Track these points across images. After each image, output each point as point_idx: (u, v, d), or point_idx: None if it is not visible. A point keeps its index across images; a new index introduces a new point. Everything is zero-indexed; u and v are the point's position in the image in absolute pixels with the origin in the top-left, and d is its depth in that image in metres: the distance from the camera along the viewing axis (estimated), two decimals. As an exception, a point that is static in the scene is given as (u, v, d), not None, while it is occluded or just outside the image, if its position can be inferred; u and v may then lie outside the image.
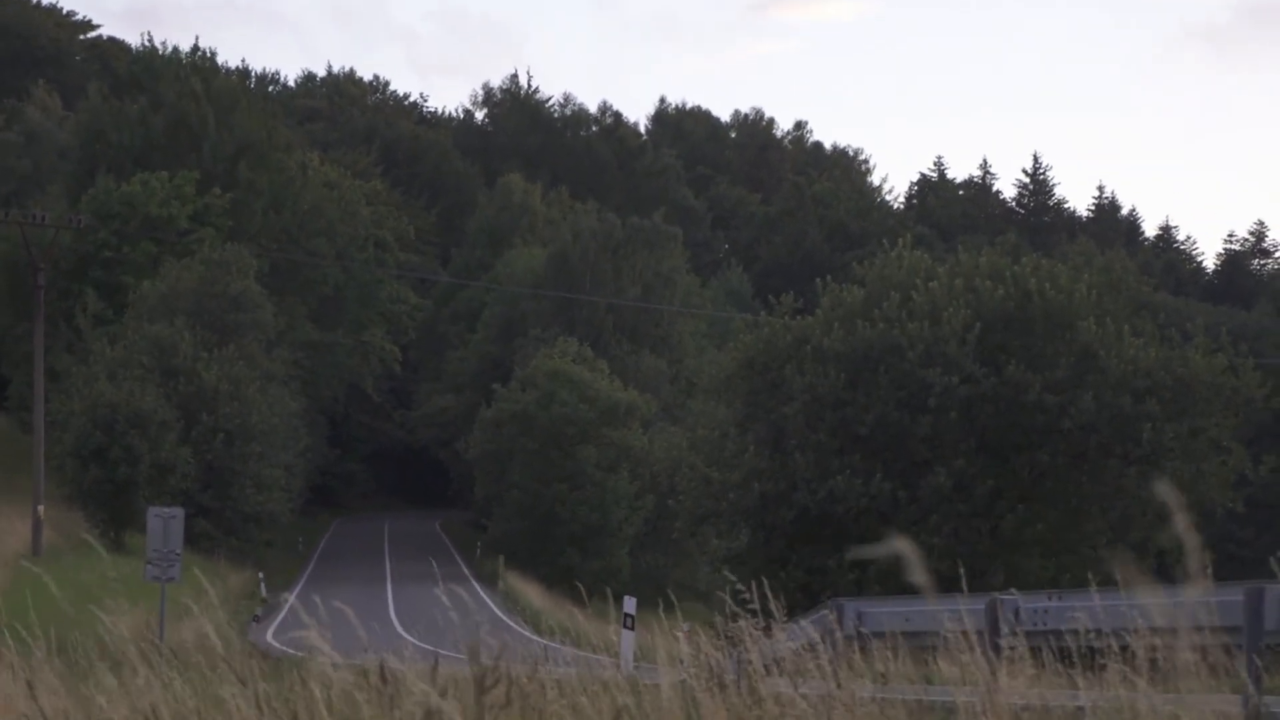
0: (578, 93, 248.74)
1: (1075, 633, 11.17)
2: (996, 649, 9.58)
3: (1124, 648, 9.96)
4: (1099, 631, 10.79)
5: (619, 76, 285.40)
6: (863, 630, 18.47)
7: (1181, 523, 7.93)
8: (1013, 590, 18.90)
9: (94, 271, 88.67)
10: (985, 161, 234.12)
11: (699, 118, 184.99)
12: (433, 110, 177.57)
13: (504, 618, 59.17)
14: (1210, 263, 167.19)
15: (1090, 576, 14.23)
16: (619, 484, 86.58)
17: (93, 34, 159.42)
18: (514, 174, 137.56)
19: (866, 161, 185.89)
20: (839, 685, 9.31)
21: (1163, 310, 55.82)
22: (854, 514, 46.55)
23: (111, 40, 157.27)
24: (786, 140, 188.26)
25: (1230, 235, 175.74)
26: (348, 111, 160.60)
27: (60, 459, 69.08)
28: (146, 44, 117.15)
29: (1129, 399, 45.78)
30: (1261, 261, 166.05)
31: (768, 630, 11.07)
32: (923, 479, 46.28)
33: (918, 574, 7.99)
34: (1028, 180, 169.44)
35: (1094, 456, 47.37)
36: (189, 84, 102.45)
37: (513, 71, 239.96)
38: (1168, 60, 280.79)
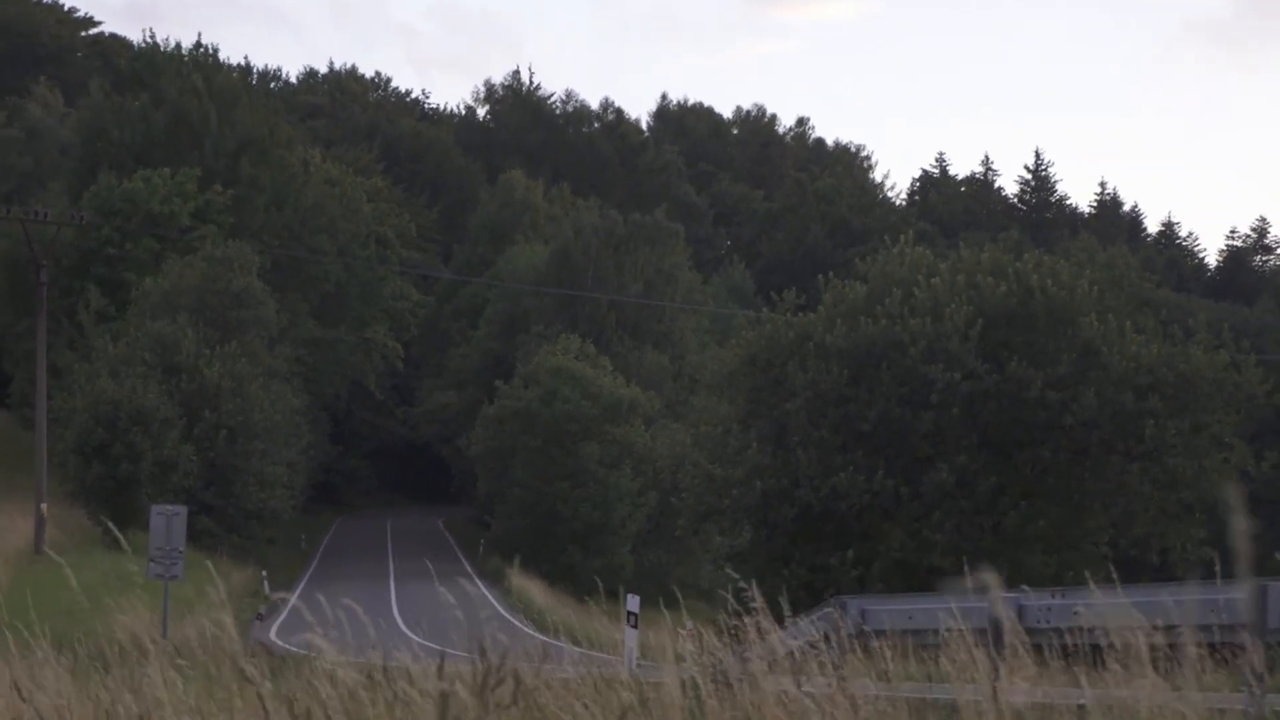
0: (578, 90, 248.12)
1: (1078, 630, 11.18)
2: (999, 647, 9.58)
3: (1127, 645, 9.96)
4: (1103, 629, 10.78)
5: (619, 75, 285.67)
6: (865, 629, 18.49)
7: (1240, 524, 7.94)
8: (1025, 587, 18.89)
9: (96, 268, 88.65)
10: (987, 158, 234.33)
11: (701, 114, 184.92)
12: (434, 107, 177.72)
13: (507, 615, 59.12)
14: (1212, 259, 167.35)
15: (1088, 575, 14.24)
16: (621, 481, 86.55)
17: (94, 31, 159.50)
18: (516, 170, 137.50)
19: (869, 158, 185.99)
20: (842, 683, 9.31)
21: (1164, 306, 55.88)
22: (856, 511, 46.60)
23: (113, 37, 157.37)
24: (788, 137, 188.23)
25: (1232, 231, 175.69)
26: (349, 108, 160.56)
27: (62, 456, 69.08)
28: (148, 40, 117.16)
29: (1131, 395, 45.82)
30: (1263, 258, 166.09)
31: (767, 628, 11.06)
32: (925, 475, 46.32)
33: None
34: (1029, 177, 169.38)
35: (1096, 453, 47.40)
36: (191, 81, 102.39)
37: (514, 68, 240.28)
38: (1169, 56, 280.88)
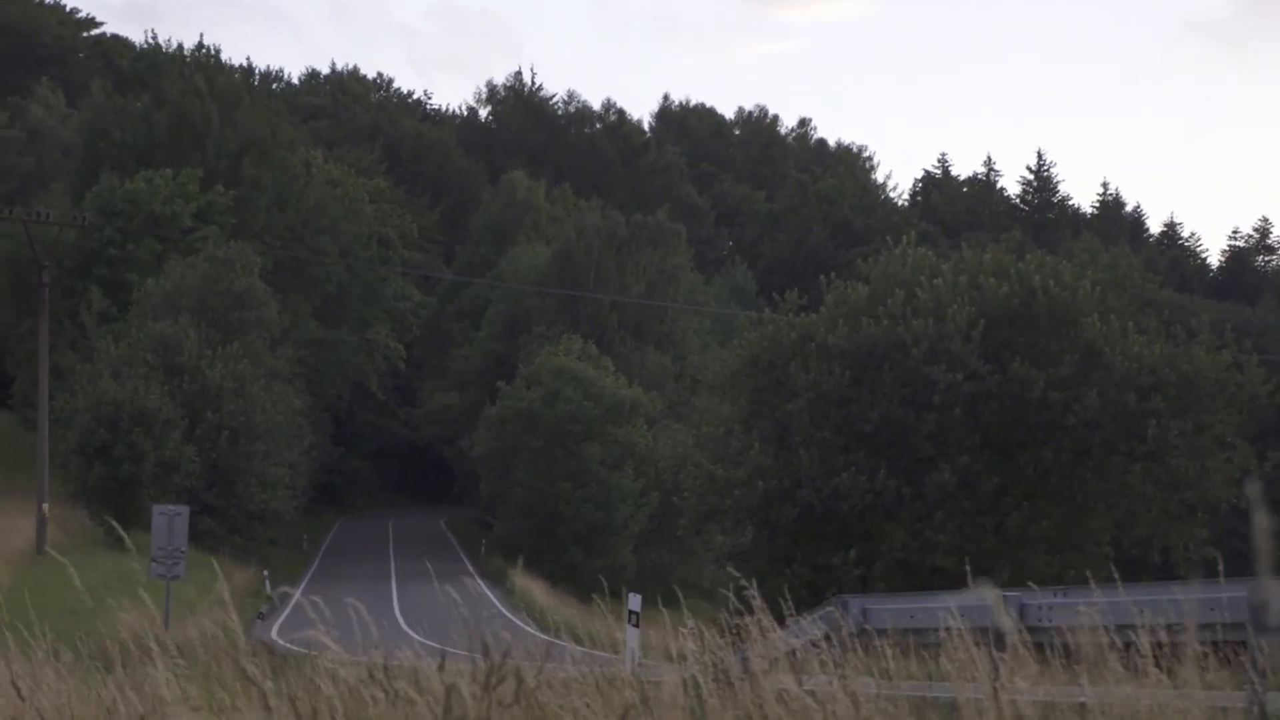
0: (578, 91, 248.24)
1: (1080, 629, 11.16)
2: (1001, 646, 9.58)
3: (1128, 645, 9.96)
4: (1105, 628, 10.77)
5: (619, 75, 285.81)
6: (867, 628, 18.46)
7: (1262, 523, 7.95)
8: (1029, 584, 18.85)
9: (98, 269, 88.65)
10: (989, 158, 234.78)
11: (703, 115, 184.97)
12: (436, 108, 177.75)
13: (509, 615, 59.13)
14: (1215, 259, 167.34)
15: (1089, 575, 14.23)
16: (623, 481, 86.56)
17: (96, 31, 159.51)
18: (518, 171, 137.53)
19: (871, 159, 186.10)
20: (843, 681, 9.31)
21: (1167, 307, 55.88)
22: (858, 511, 46.60)
23: (115, 38, 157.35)
24: (790, 137, 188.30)
25: (1235, 232, 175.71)
26: (351, 109, 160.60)
27: (64, 457, 69.11)
28: (150, 41, 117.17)
29: (1133, 396, 45.82)
30: (1266, 258, 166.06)
31: (768, 627, 11.06)
32: (927, 476, 46.31)
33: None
34: (1032, 177, 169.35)
35: (1098, 453, 47.40)
36: (193, 81, 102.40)
37: (516, 69, 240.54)
38: (1170, 57, 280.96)
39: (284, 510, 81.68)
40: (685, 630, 12.90)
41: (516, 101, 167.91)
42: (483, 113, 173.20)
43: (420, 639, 15.12)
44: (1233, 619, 13.33)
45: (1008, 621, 9.52)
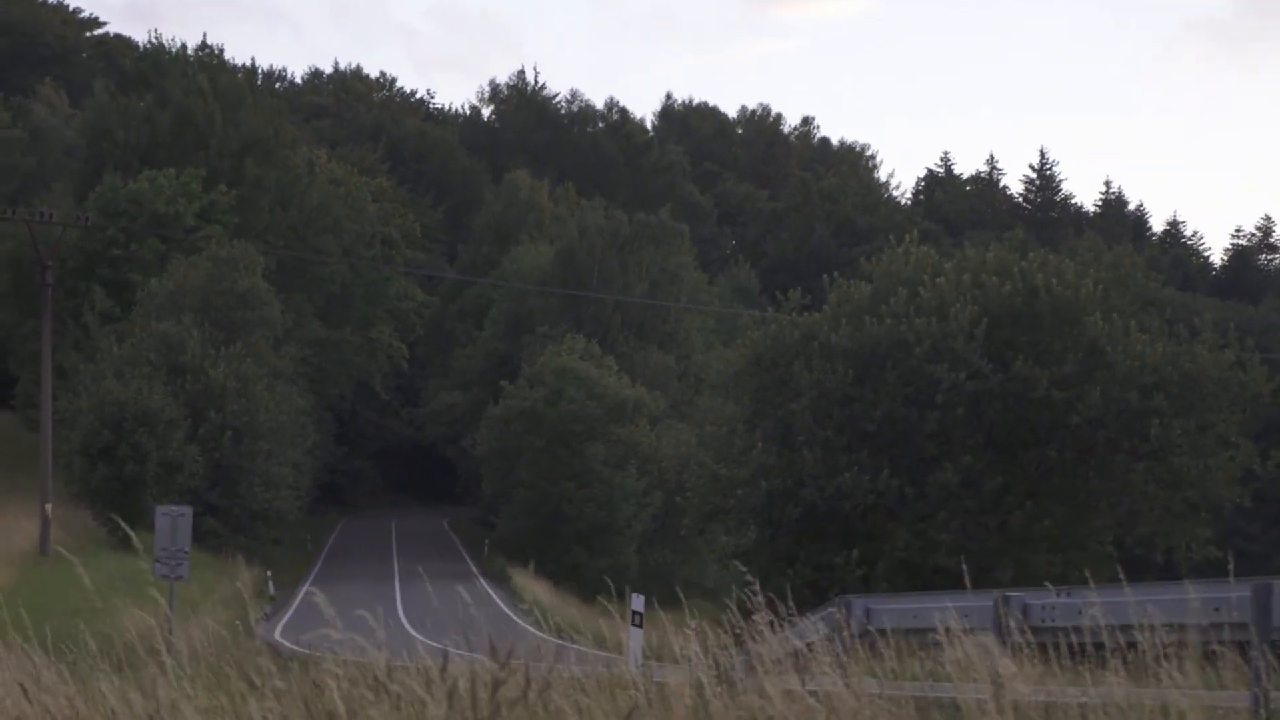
0: (580, 90, 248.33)
1: (1082, 629, 11.18)
2: (1004, 645, 9.59)
3: (1131, 644, 9.97)
4: (1109, 627, 10.79)
5: (620, 74, 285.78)
6: (870, 628, 18.48)
7: None
8: (1045, 584, 18.88)
9: (101, 269, 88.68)
10: (992, 157, 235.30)
11: (705, 114, 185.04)
12: (439, 107, 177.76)
13: (512, 615, 59.18)
14: (1217, 258, 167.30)
15: (1088, 575, 14.23)
16: (626, 481, 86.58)
17: (99, 31, 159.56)
18: (520, 170, 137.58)
19: (873, 157, 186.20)
20: (846, 682, 9.32)
21: (1169, 305, 55.86)
22: (861, 510, 46.59)
23: (118, 37, 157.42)
24: (793, 136, 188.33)
25: (1238, 230, 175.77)
26: (354, 108, 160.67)
27: (68, 457, 69.12)
28: (153, 41, 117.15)
29: (1136, 394, 45.79)
30: (1269, 256, 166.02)
31: (769, 628, 11.07)
32: (930, 475, 46.30)
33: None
34: (1035, 176, 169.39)
35: (1101, 452, 47.37)
36: (196, 81, 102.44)
37: (519, 68, 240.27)
38: (1174, 55, 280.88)
39: (287, 510, 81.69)
40: (689, 630, 12.92)
41: (519, 101, 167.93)
42: (485, 112, 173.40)
43: (424, 639, 15.14)
44: (1237, 619, 13.36)
45: (1009, 615, 9.53)
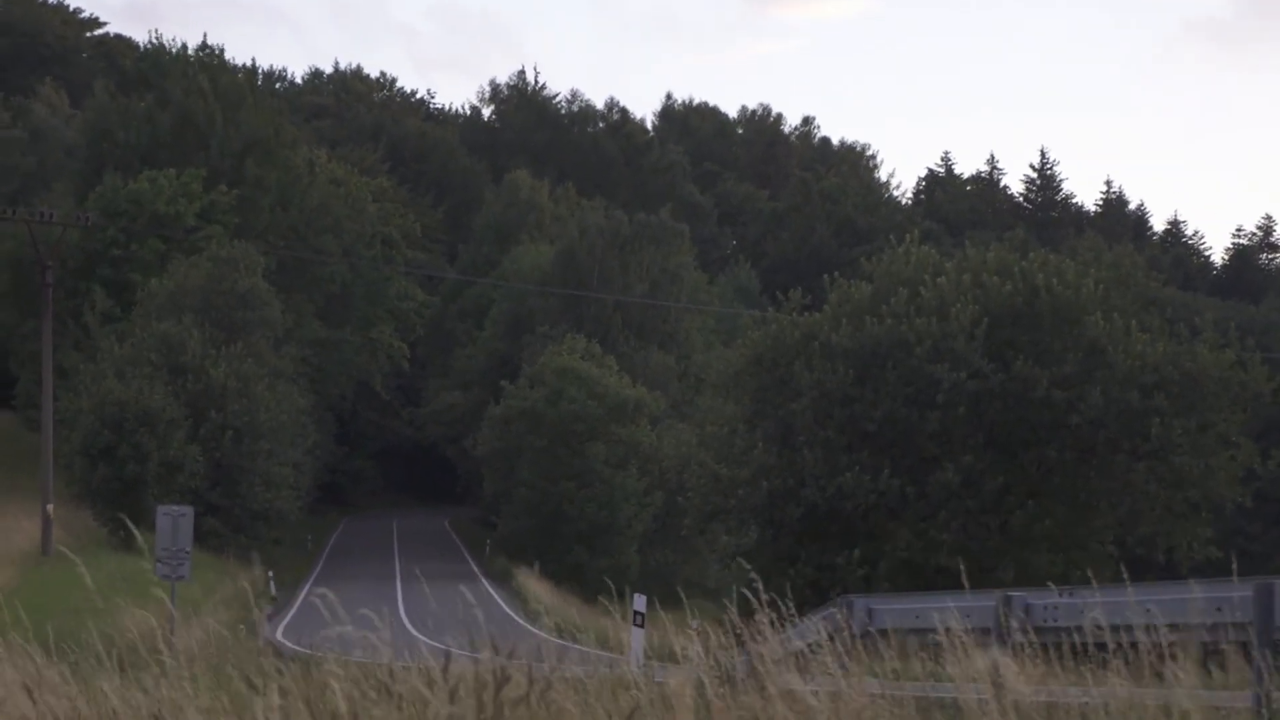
0: (580, 90, 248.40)
1: (1084, 629, 11.18)
2: (1007, 645, 9.60)
3: (1134, 644, 9.97)
4: (1113, 627, 10.79)
5: (621, 74, 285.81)
6: (871, 629, 18.48)
7: None
8: (1049, 584, 18.92)
9: (102, 269, 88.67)
10: (993, 157, 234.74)
11: (706, 114, 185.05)
12: (439, 107, 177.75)
13: (514, 615, 59.15)
14: (1218, 257, 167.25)
15: (1090, 575, 14.22)
16: (627, 481, 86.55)
17: (99, 31, 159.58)
18: (521, 170, 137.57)
19: (874, 157, 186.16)
20: (848, 682, 9.32)
21: (1170, 305, 55.83)
22: (862, 510, 46.59)
23: (118, 38, 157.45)
24: (794, 136, 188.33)
25: (1238, 230, 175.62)
26: (354, 108, 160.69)
27: (69, 457, 69.11)
28: (153, 41, 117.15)
29: (1137, 394, 45.79)
30: (1270, 256, 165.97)
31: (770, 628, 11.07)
32: (931, 475, 46.30)
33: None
34: (1035, 176, 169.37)
35: (1102, 452, 47.38)
36: (196, 81, 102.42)
37: (519, 68, 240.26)
38: (1175, 55, 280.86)
39: (288, 510, 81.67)
40: (691, 630, 12.92)
41: (519, 101, 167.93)
42: (486, 112, 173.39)
43: (426, 639, 15.15)
44: (1239, 619, 13.36)
45: (1011, 615, 9.53)
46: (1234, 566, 13.61)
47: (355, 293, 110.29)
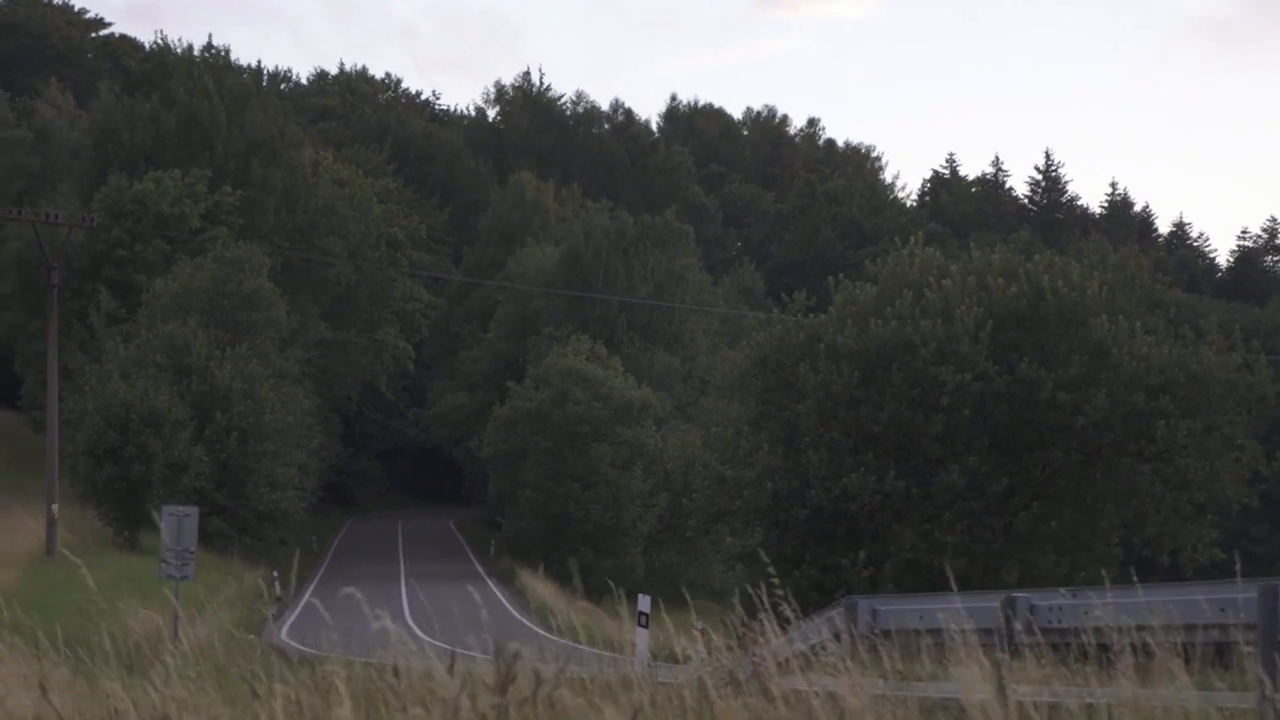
0: (585, 91, 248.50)
1: (1089, 630, 11.18)
2: (1011, 647, 9.60)
3: (1138, 646, 9.97)
4: (1117, 629, 10.79)
5: (623, 73, 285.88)
6: (877, 631, 18.49)
7: None
8: (1060, 590, 18.93)
9: (107, 270, 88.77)
10: (997, 158, 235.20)
11: (711, 115, 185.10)
12: (444, 108, 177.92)
13: (519, 616, 59.19)
14: (1223, 259, 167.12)
15: (1103, 575, 14.22)
16: (632, 482, 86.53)
17: (104, 32, 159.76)
18: (526, 172, 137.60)
19: (879, 159, 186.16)
20: (850, 683, 9.32)
21: (1175, 307, 55.80)
22: (867, 512, 46.60)
23: (123, 38, 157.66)
24: (799, 138, 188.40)
25: (1244, 232, 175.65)
26: (360, 110, 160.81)
27: (74, 458, 69.13)
28: (159, 42, 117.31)
29: (1142, 396, 45.77)
30: (1275, 258, 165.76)
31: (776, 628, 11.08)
32: (936, 477, 46.30)
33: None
34: (1040, 177, 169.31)
35: (1107, 454, 47.37)
36: (201, 82, 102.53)
37: (524, 69, 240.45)
38: (1179, 56, 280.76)
39: (293, 510, 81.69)
40: (695, 631, 12.93)
41: (524, 102, 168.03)
42: (491, 113, 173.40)
43: (431, 640, 15.18)
44: (1244, 620, 13.36)
45: (1016, 616, 9.54)
46: (1237, 568, 13.59)
47: (360, 294, 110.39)
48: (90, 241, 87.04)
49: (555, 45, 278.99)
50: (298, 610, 59.09)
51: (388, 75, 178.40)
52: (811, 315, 50.83)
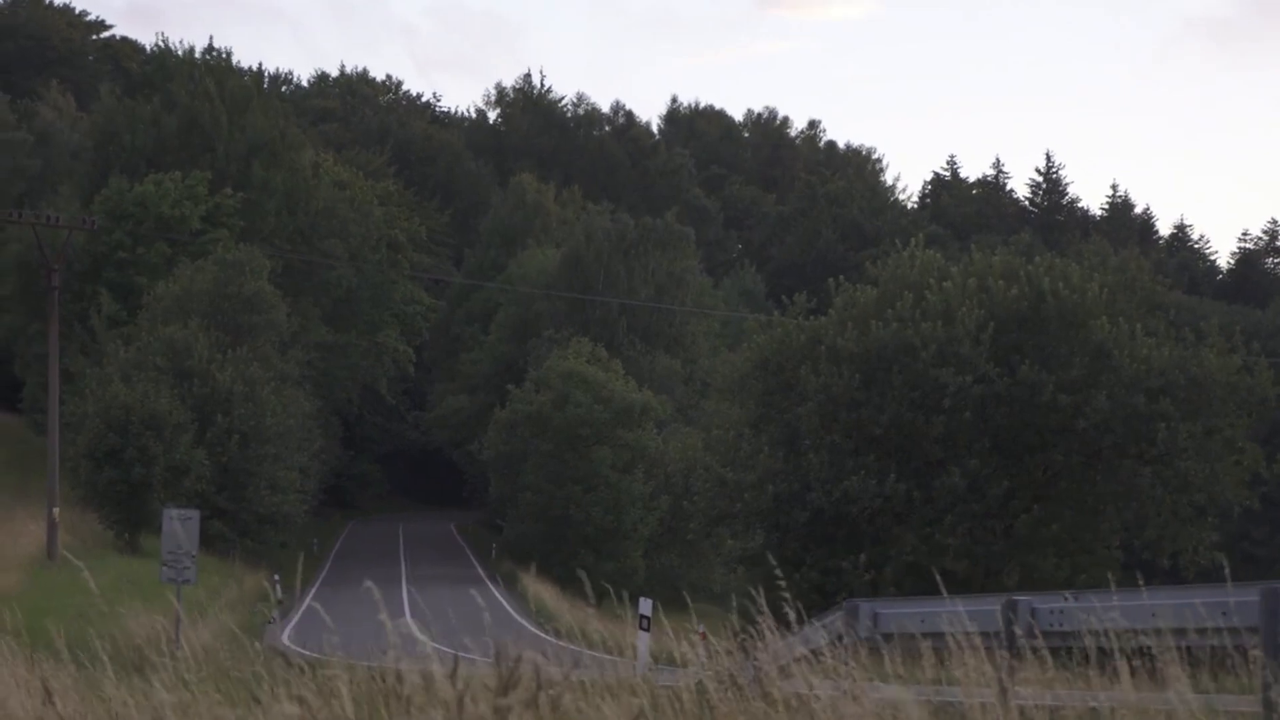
0: (585, 92, 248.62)
1: (1091, 633, 11.18)
2: (1012, 650, 9.60)
3: (1139, 649, 9.97)
4: (1117, 632, 10.79)
5: (624, 74, 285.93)
6: (877, 633, 18.47)
7: None
8: (1063, 594, 18.90)
9: (107, 272, 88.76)
10: (998, 161, 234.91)
11: (712, 117, 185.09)
12: (445, 110, 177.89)
13: (520, 619, 59.16)
14: (1224, 262, 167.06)
15: (1110, 579, 14.22)
16: (633, 485, 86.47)
17: (105, 34, 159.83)
18: (527, 174, 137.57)
19: (880, 161, 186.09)
20: (852, 686, 9.33)
21: (1175, 309, 55.77)
22: (868, 514, 46.61)
23: (124, 40, 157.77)
24: (799, 140, 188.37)
25: (1244, 234, 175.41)
26: (360, 111, 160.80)
27: (74, 461, 69.09)
28: (160, 44, 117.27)
29: (1143, 398, 45.77)
30: (1275, 260, 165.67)
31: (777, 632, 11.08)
32: (937, 479, 46.31)
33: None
34: (1041, 179, 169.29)
35: (1108, 456, 47.38)
36: (203, 84, 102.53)
37: (525, 71, 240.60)
38: (1180, 56, 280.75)
39: (294, 514, 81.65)
40: (696, 634, 12.94)
41: (525, 104, 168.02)
42: (492, 115, 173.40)
43: (433, 644, 15.18)
44: (1246, 623, 13.35)
45: (1017, 618, 9.54)
46: (1227, 572, 13.58)
47: (361, 296, 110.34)
48: (91, 244, 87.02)
49: (556, 45, 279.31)
50: (299, 614, 59.06)
51: (388, 77, 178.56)
52: (812, 317, 50.85)
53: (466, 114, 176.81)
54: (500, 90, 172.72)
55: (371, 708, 8.38)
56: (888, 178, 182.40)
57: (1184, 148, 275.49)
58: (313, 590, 69.90)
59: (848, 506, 46.49)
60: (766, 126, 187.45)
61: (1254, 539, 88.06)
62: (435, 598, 13.56)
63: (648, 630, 28.57)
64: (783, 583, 11.33)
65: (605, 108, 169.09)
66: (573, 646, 18.35)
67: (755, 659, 10.80)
